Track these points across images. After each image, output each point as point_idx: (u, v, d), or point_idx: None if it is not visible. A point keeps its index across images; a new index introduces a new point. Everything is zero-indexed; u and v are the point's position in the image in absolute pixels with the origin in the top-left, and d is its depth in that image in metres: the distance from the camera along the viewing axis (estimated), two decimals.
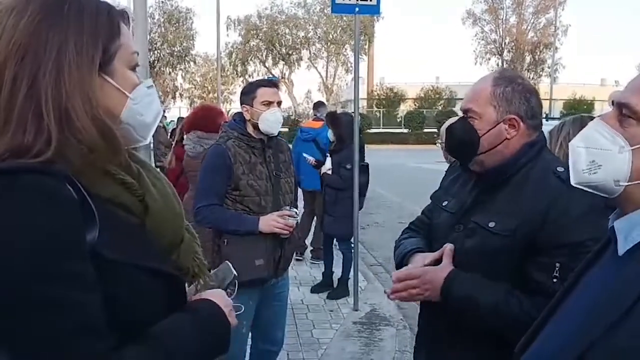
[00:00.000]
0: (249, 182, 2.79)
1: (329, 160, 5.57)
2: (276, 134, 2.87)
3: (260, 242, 2.76)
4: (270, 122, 2.82)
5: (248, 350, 3.14)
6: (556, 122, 2.38)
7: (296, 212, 2.81)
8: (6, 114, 0.92)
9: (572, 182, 1.07)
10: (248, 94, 2.90)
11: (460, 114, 1.77)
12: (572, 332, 0.99)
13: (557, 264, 1.48)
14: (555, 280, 1.47)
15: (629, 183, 0.97)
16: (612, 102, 1.03)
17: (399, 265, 1.85)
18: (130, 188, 1.01)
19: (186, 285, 1.19)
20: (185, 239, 1.17)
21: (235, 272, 1.33)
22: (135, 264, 0.97)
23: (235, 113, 3.08)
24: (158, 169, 1.21)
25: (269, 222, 2.74)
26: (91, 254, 0.90)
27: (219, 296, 1.17)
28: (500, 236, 1.58)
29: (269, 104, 2.83)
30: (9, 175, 0.87)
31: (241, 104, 2.91)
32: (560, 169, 1.61)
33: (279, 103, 2.88)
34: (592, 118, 2.17)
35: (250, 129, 2.87)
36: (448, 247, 1.68)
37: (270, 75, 30.92)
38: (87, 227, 0.90)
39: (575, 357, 0.94)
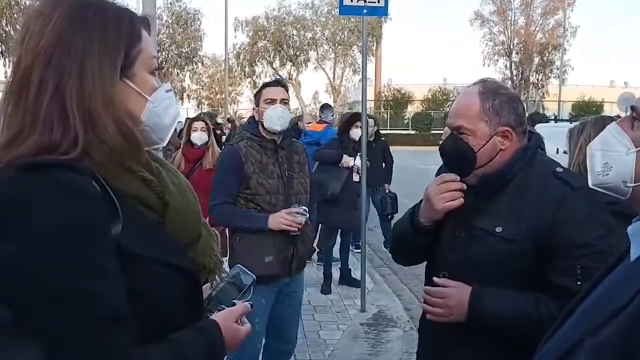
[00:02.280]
0: (259, 181, 2.86)
1: (357, 160, 5.64)
2: (279, 130, 2.90)
3: (270, 240, 2.81)
4: (271, 117, 2.87)
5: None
6: (565, 124, 2.38)
7: (305, 210, 2.84)
8: (33, 114, 0.96)
9: (590, 184, 1.10)
10: (256, 96, 3.02)
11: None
12: (566, 333, 1.03)
13: (578, 267, 1.49)
14: (579, 282, 1.46)
15: (635, 184, 1.00)
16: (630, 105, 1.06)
17: (403, 233, 1.86)
18: (151, 185, 1.05)
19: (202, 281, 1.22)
20: (202, 236, 1.20)
21: (253, 276, 1.32)
22: (156, 258, 1.02)
23: (251, 116, 3.19)
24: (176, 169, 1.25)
25: (277, 219, 2.80)
26: (115, 247, 0.94)
27: (227, 320, 1.16)
28: (508, 241, 1.58)
29: (271, 101, 2.90)
30: (39, 170, 0.92)
31: (254, 107, 3.04)
32: (559, 169, 1.62)
33: (283, 101, 2.93)
34: (612, 119, 2.17)
35: (262, 130, 2.95)
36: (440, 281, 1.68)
37: (278, 76, 30.96)
38: (111, 221, 0.94)
39: (558, 356, 0.98)
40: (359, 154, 5.66)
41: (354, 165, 5.63)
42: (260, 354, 3.12)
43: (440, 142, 2.04)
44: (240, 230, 2.89)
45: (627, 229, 1.03)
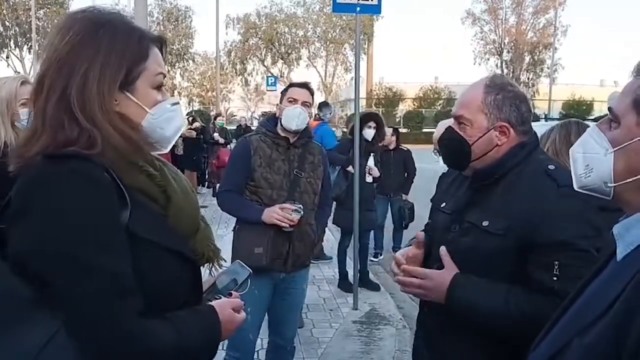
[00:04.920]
0: (263, 175, 2.93)
1: (370, 160, 5.63)
2: (294, 129, 2.96)
3: (264, 233, 2.87)
4: (288, 116, 2.96)
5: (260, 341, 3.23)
6: (555, 123, 2.39)
7: (300, 208, 2.86)
8: (43, 115, 1.11)
9: (575, 187, 1.11)
10: (282, 94, 3.12)
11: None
12: (557, 334, 1.04)
13: (556, 263, 1.49)
14: (555, 278, 1.49)
15: (614, 184, 1.01)
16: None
17: None
18: (155, 179, 1.18)
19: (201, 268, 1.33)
20: (200, 228, 1.34)
21: (250, 270, 1.42)
22: (160, 243, 1.13)
23: (273, 112, 3.28)
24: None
25: (270, 213, 2.85)
26: (125, 231, 1.06)
27: (223, 307, 1.26)
28: (493, 235, 1.59)
29: (293, 101, 2.99)
30: (60, 159, 1.05)
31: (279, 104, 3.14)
32: (551, 167, 1.62)
33: (305, 103, 3.01)
34: (578, 123, 2.22)
35: (279, 127, 3.03)
36: (443, 250, 1.69)
37: (269, 74, 30.88)
38: (121, 208, 1.07)
39: (549, 357, 1.00)
40: (372, 154, 5.65)
41: (367, 166, 5.58)
42: (259, 346, 3.20)
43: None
44: (240, 219, 2.99)
45: (613, 228, 1.04)
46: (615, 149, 1.01)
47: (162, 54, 1.24)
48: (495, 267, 1.59)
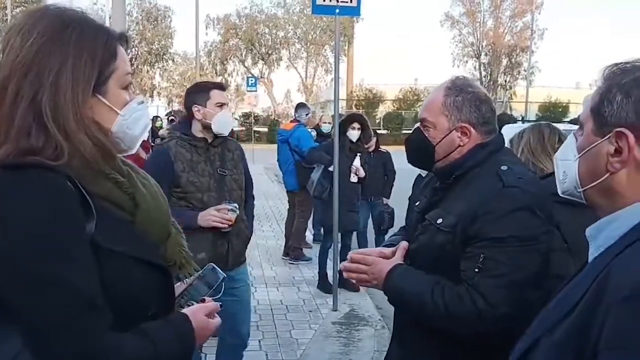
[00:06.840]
0: (189, 179, 2.89)
1: (357, 161, 5.58)
2: (226, 134, 3.01)
3: (204, 236, 2.84)
4: (223, 123, 2.97)
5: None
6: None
7: (236, 207, 2.87)
8: (8, 122, 1.03)
9: (559, 193, 1.15)
10: (201, 95, 2.98)
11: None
12: (530, 332, 1.07)
13: (482, 255, 1.55)
14: (477, 270, 1.55)
15: (583, 188, 1.06)
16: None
17: None
18: (122, 187, 1.13)
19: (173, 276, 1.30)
20: (172, 234, 1.30)
21: (223, 274, 1.40)
22: (128, 254, 1.09)
23: (184, 115, 3.18)
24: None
25: (206, 217, 2.84)
26: (90, 243, 1.02)
27: (196, 314, 1.24)
28: (443, 232, 1.64)
29: (221, 105, 2.97)
30: (20, 168, 1.00)
31: (192, 104, 2.96)
32: (504, 167, 1.64)
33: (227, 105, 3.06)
34: (549, 126, 2.28)
35: (195, 129, 2.98)
36: (403, 243, 1.79)
37: (250, 75, 30.78)
38: (86, 219, 1.02)
39: (519, 356, 1.03)
40: (358, 154, 5.62)
41: (353, 166, 5.55)
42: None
43: None
44: None
45: (586, 231, 1.07)
46: (579, 155, 1.06)
47: (125, 52, 1.18)
48: (444, 263, 1.63)
